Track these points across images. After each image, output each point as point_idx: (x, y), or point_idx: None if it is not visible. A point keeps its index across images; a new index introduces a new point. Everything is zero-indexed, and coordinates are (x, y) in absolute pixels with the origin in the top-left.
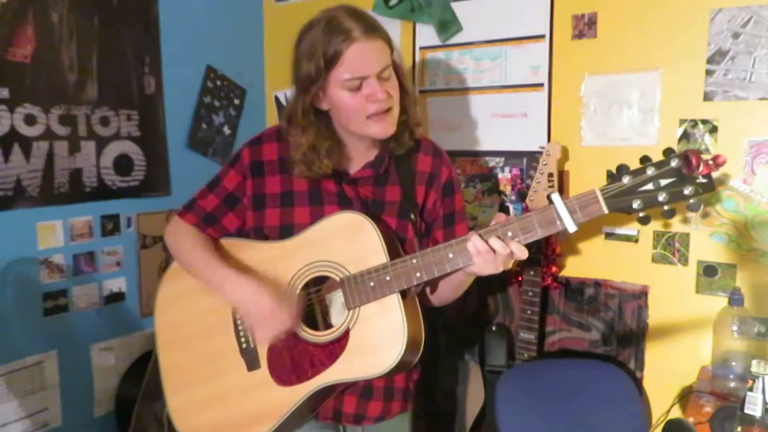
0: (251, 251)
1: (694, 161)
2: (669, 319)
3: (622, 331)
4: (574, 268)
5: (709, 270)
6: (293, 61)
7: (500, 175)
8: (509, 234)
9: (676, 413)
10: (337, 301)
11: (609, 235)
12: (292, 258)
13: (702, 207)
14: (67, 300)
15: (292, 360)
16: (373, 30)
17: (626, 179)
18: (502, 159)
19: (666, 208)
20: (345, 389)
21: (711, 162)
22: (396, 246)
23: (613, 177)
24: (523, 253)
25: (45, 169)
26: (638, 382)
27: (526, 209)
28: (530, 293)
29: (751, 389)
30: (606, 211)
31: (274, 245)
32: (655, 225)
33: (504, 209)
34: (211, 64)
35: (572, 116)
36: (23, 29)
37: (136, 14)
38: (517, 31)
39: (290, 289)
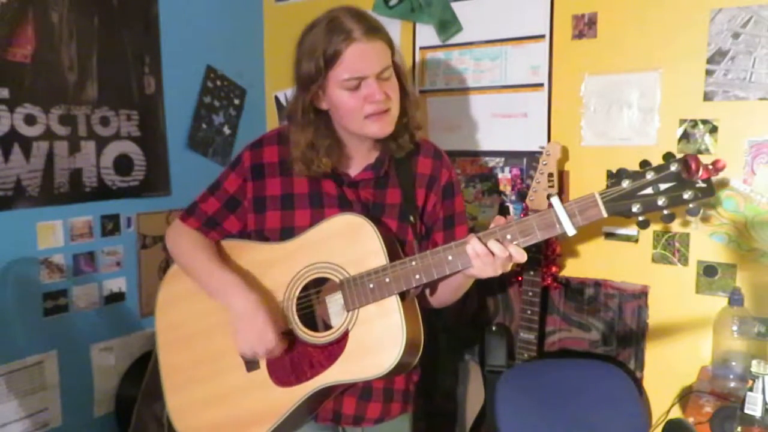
0: (252, 252)
1: (693, 166)
2: (669, 319)
3: (622, 331)
4: (574, 268)
5: (709, 270)
6: (294, 60)
7: (500, 175)
8: (508, 237)
9: (676, 413)
10: (336, 302)
11: (609, 235)
12: (292, 259)
13: (701, 211)
14: (67, 300)
15: (291, 361)
16: (373, 31)
17: (626, 183)
18: (502, 159)
19: (665, 212)
20: (344, 390)
21: (711, 167)
22: (396, 248)
23: (612, 180)
24: (522, 257)
25: (45, 169)
26: (638, 382)
27: (526, 209)
28: (530, 293)
29: (751, 389)
30: (605, 215)
31: (274, 247)
32: (655, 225)
33: (504, 209)
34: (211, 64)
35: (572, 116)
36: (23, 29)
37: (136, 14)
38: (517, 31)
39: (287, 302)
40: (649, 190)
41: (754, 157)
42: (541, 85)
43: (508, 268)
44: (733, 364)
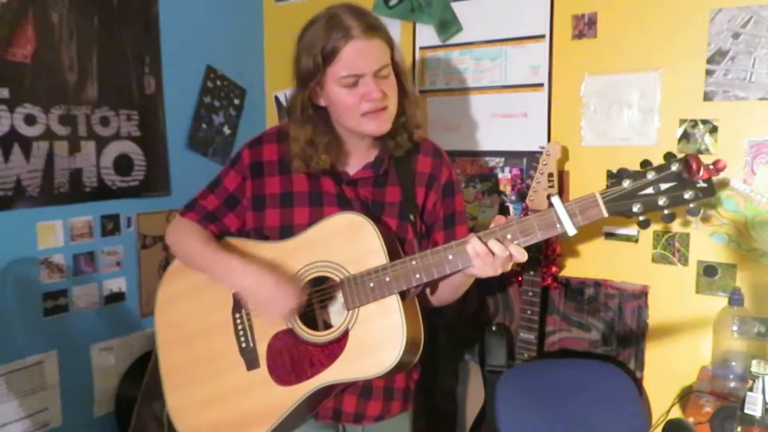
0: (251, 251)
1: (694, 166)
2: (669, 319)
3: (622, 331)
4: (574, 268)
5: (709, 270)
6: (294, 55)
7: (500, 175)
8: (508, 237)
9: (676, 413)
10: (336, 301)
11: (609, 235)
12: (292, 258)
13: (702, 211)
14: (67, 300)
15: (291, 360)
16: (372, 29)
17: (626, 183)
18: (502, 159)
19: (666, 212)
20: (345, 389)
21: (711, 167)
22: (396, 247)
23: (613, 180)
24: (522, 256)
25: (45, 169)
26: (638, 382)
27: (526, 209)
28: (530, 293)
29: (751, 389)
30: (606, 214)
31: (274, 245)
32: (655, 225)
33: (504, 209)
34: (211, 64)
35: (572, 116)
36: (23, 29)
37: (136, 14)
38: (517, 31)
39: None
40: (649, 190)
41: (754, 157)
42: (541, 85)
43: (509, 267)
44: (733, 364)
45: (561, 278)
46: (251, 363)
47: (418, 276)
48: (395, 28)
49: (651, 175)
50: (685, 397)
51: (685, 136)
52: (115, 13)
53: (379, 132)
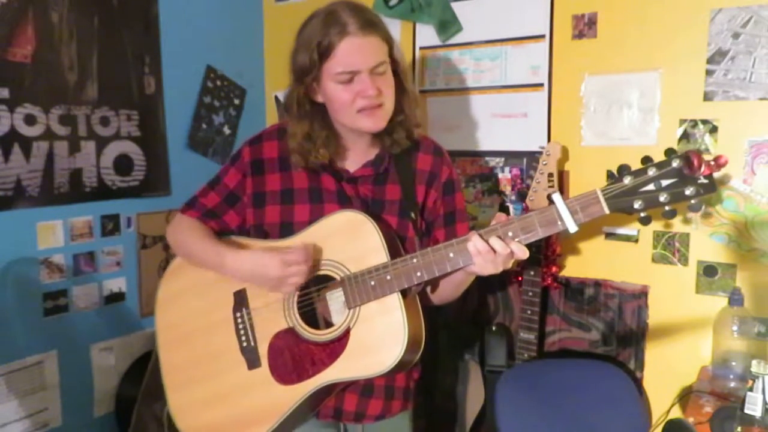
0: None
1: (695, 162)
2: (669, 319)
3: (622, 331)
4: (574, 268)
5: (709, 270)
6: (292, 50)
7: (500, 175)
8: (510, 234)
9: (676, 413)
10: (337, 300)
11: (609, 235)
12: None
13: (703, 208)
14: (67, 300)
15: (292, 359)
16: (369, 25)
17: (627, 179)
18: (502, 159)
19: (667, 208)
20: (346, 388)
21: (713, 163)
22: (396, 245)
23: (614, 177)
24: (523, 253)
25: (45, 169)
26: (638, 382)
27: (526, 209)
28: (530, 293)
29: (751, 389)
30: (607, 211)
31: (274, 243)
32: (656, 225)
33: (504, 209)
34: (211, 64)
35: (572, 116)
36: (23, 29)
37: (136, 14)
38: (517, 31)
39: (288, 299)
40: (650, 187)
41: (754, 157)
42: (541, 85)
43: (510, 265)
44: (733, 364)
45: (561, 278)
46: (252, 362)
47: (419, 274)
48: (395, 28)
49: (652, 172)
50: (685, 397)
51: (685, 136)
52: (115, 13)
53: (374, 129)
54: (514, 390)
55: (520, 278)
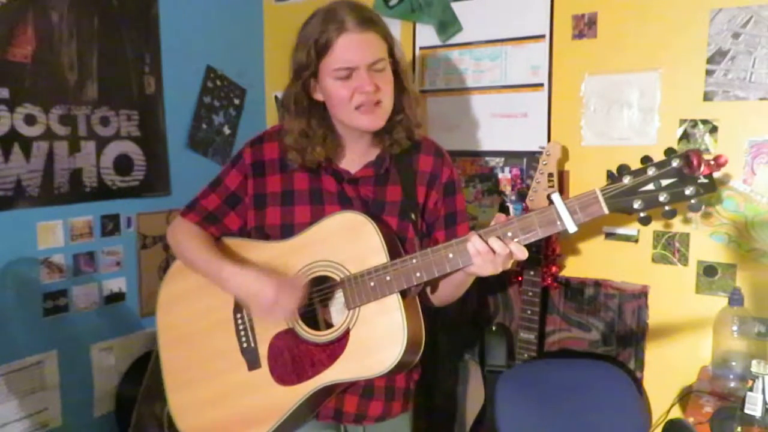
0: (253, 251)
1: (695, 161)
2: (669, 319)
3: (622, 331)
4: (574, 268)
5: (709, 270)
6: (293, 48)
7: (500, 175)
8: (509, 234)
9: (676, 413)
10: (337, 300)
11: (609, 235)
12: (292, 258)
13: (703, 207)
14: (67, 300)
15: (292, 359)
16: (367, 22)
17: (627, 179)
18: (502, 159)
19: (667, 208)
20: (346, 389)
21: (713, 162)
22: (396, 246)
23: (613, 177)
24: (522, 254)
25: (45, 169)
26: (638, 382)
27: (526, 209)
28: (530, 293)
29: (751, 389)
30: (606, 211)
31: (275, 245)
32: (655, 225)
33: (504, 209)
34: (211, 64)
35: (572, 116)
36: (23, 29)
37: (136, 14)
38: (517, 31)
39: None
40: (650, 186)
41: (754, 157)
42: (541, 85)
43: (509, 265)
44: (733, 364)
45: (561, 278)
46: (252, 363)
47: (418, 274)
48: (395, 28)
49: (651, 171)
50: (685, 397)
51: (685, 136)
52: (115, 13)
53: (372, 127)
54: (514, 390)
55: (520, 278)
